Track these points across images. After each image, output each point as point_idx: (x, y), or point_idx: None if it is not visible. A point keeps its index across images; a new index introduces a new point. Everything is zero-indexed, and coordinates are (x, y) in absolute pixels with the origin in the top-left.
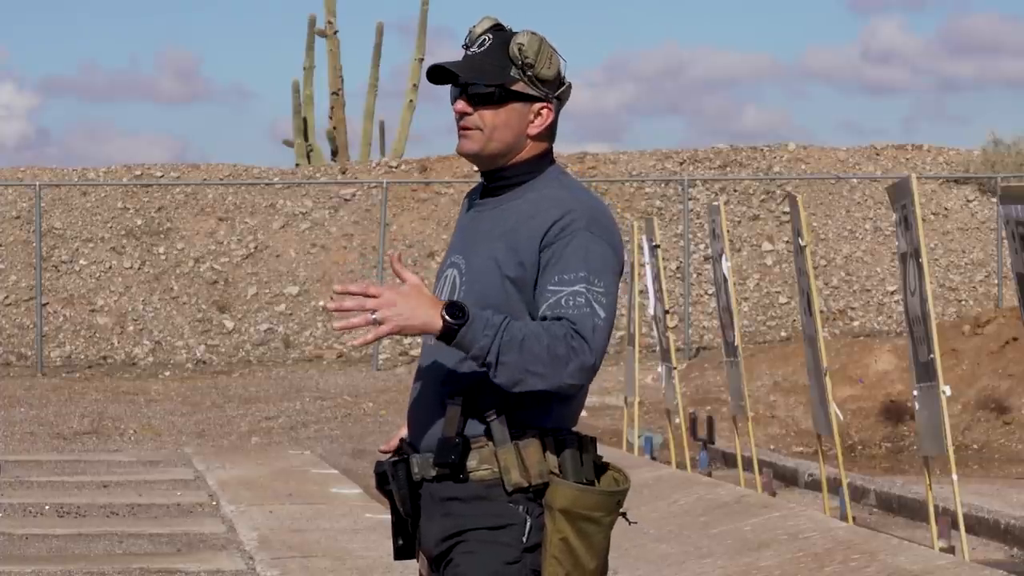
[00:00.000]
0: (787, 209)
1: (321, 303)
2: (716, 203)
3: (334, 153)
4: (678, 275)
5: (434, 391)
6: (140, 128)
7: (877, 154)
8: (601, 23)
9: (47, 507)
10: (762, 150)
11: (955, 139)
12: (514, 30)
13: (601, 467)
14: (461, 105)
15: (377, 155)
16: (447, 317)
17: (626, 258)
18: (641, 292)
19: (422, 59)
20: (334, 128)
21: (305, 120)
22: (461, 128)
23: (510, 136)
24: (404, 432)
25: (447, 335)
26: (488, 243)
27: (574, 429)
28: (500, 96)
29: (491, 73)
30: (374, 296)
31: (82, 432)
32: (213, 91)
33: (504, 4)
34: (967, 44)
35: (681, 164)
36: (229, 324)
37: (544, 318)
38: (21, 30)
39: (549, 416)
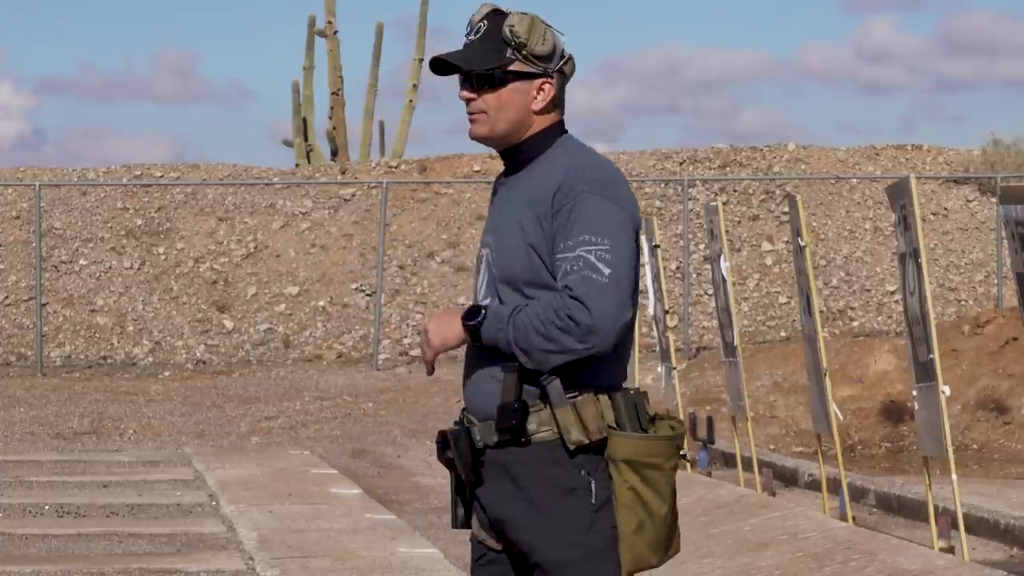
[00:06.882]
0: (787, 209)
1: (321, 303)
2: (714, 203)
3: (334, 153)
4: (678, 275)
5: (489, 361)
6: (138, 128)
7: (877, 154)
8: (599, 23)
9: (47, 507)
10: (762, 150)
11: (953, 139)
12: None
13: (653, 418)
14: (466, 92)
15: (377, 155)
16: (464, 321)
17: None
18: (641, 292)
19: (422, 59)
20: (334, 128)
21: (305, 120)
22: (469, 114)
23: (515, 115)
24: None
25: (475, 337)
26: (511, 215)
27: (624, 385)
28: (499, 78)
29: (488, 58)
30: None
31: (82, 432)
32: (212, 91)
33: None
34: (965, 43)
35: (681, 164)
36: (229, 324)
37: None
38: (18, 30)
39: (599, 374)
